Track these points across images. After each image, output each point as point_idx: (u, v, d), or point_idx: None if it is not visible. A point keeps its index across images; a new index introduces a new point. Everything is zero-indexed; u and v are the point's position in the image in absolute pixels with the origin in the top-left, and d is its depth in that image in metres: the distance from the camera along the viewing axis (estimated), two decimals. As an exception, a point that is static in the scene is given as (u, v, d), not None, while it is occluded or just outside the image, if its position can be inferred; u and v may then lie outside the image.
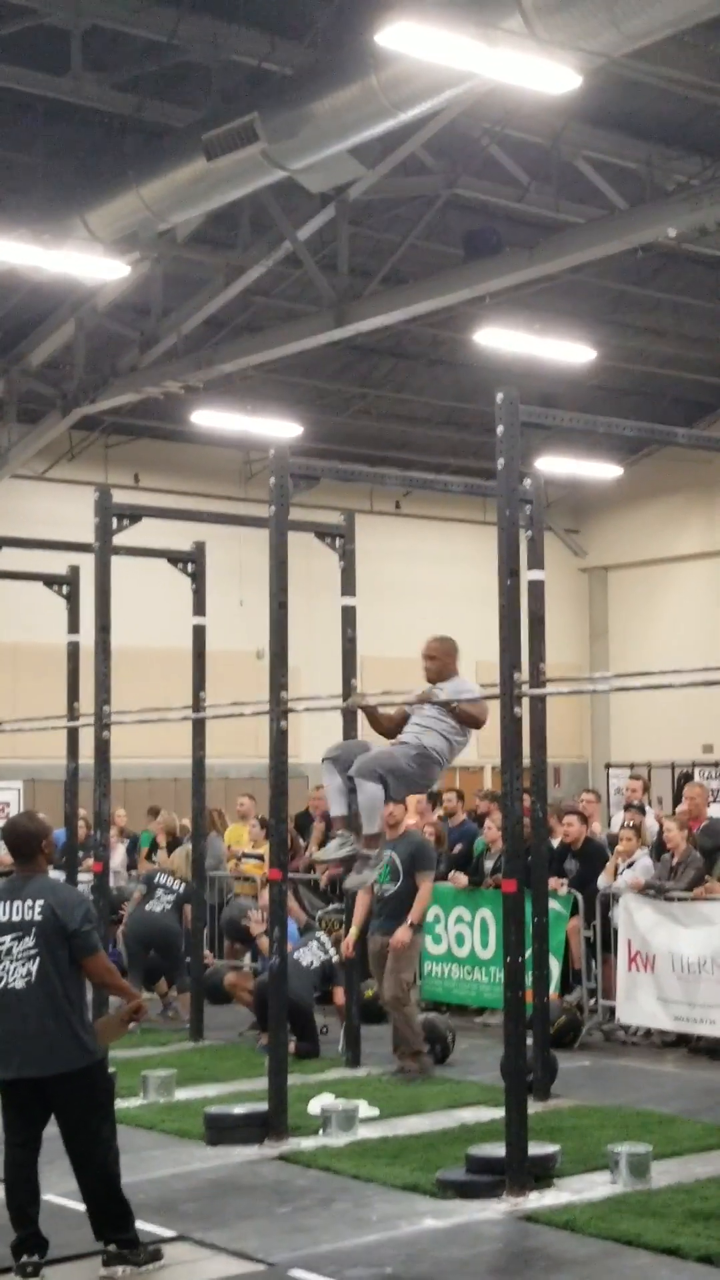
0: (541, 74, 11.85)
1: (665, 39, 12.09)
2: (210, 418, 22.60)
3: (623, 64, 13.43)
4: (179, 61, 14.86)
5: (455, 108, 14.98)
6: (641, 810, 14.85)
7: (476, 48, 11.35)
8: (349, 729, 11.45)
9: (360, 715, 10.14)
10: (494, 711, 8.93)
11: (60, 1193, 7.52)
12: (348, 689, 11.03)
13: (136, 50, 14.96)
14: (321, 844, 15.32)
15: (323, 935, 12.59)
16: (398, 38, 11.30)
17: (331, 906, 14.19)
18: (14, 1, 13.84)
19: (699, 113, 16.89)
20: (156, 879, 13.90)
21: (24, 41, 14.46)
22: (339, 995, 12.07)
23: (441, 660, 9.70)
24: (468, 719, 9.39)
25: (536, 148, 17.36)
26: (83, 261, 16.33)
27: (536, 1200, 7.88)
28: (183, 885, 13.82)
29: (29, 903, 6.78)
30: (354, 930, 11.67)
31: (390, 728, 9.63)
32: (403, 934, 11.20)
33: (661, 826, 13.64)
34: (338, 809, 9.39)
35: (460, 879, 13.72)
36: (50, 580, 14.03)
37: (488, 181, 17.89)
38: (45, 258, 16.05)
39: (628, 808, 15.23)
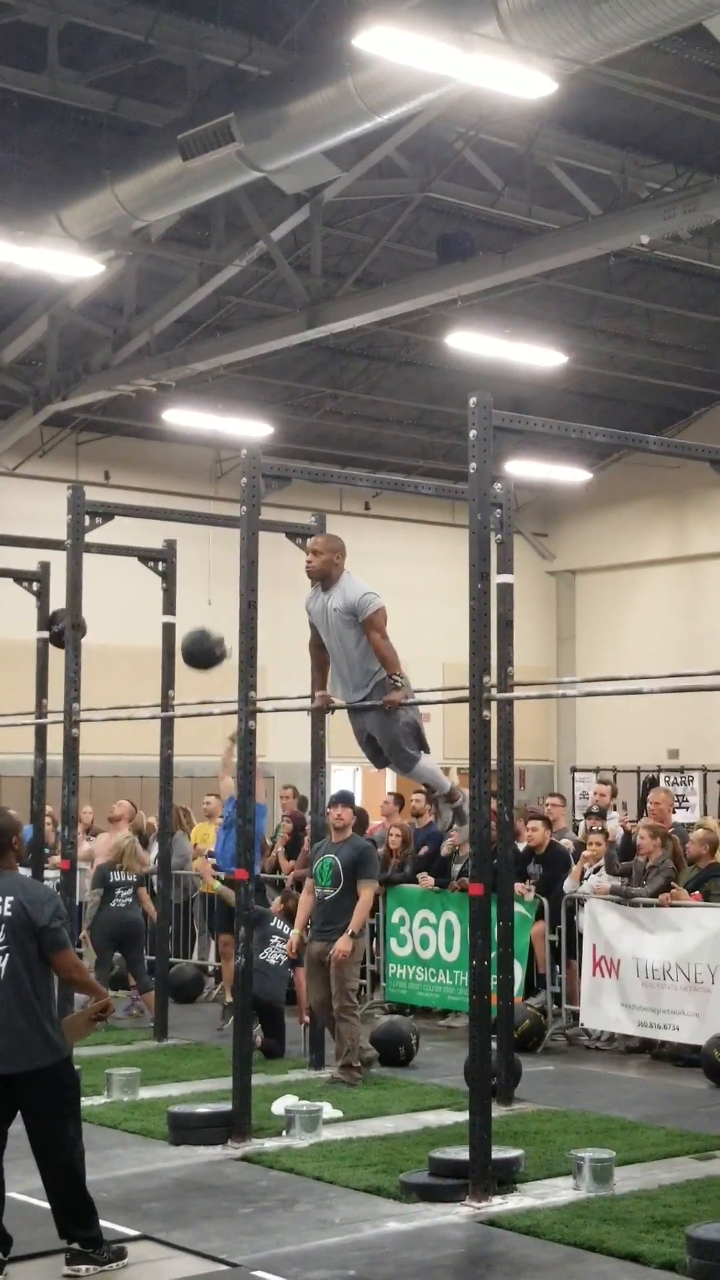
0: (517, 79, 11.90)
1: (640, 47, 12.14)
2: (182, 416, 22.58)
3: (598, 71, 13.47)
4: (156, 60, 14.85)
5: (430, 111, 15.02)
6: (603, 815, 14.89)
7: (453, 52, 11.39)
8: (316, 728, 11.48)
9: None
10: (462, 715, 8.96)
11: (24, 1190, 7.51)
12: (315, 689, 11.04)
13: (114, 49, 14.94)
14: (288, 844, 15.38)
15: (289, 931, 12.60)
16: (375, 41, 11.33)
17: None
18: (-9, -3, 13.82)
19: (673, 120, 16.98)
20: (111, 878, 13.80)
21: (1, 38, 14.43)
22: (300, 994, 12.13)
23: (325, 556, 9.47)
24: (385, 657, 9.28)
25: (511, 152, 17.41)
26: (57, 259, 16.31)
27: (500, 1205, 7.91)
28: (134, 877, 13.79)
29: (-2, 899, 6.77)
30: (296, 931, 11.68)
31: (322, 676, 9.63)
32: (343, 944, 11.06)
33: (626, 832, 13.69)
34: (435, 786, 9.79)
35: (427, 881, 13.76)
36: (20, 576, 14.02)
37: (461, 185, 17.94)
38: (19, 254, 16.03)
39: (588, 814, 15.28)
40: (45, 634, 13.82)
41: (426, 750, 9.50)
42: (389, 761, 9.47)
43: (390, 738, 9.28)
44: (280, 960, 12.17)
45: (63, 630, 13.06)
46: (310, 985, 11.41)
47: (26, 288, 19.49)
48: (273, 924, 12.30)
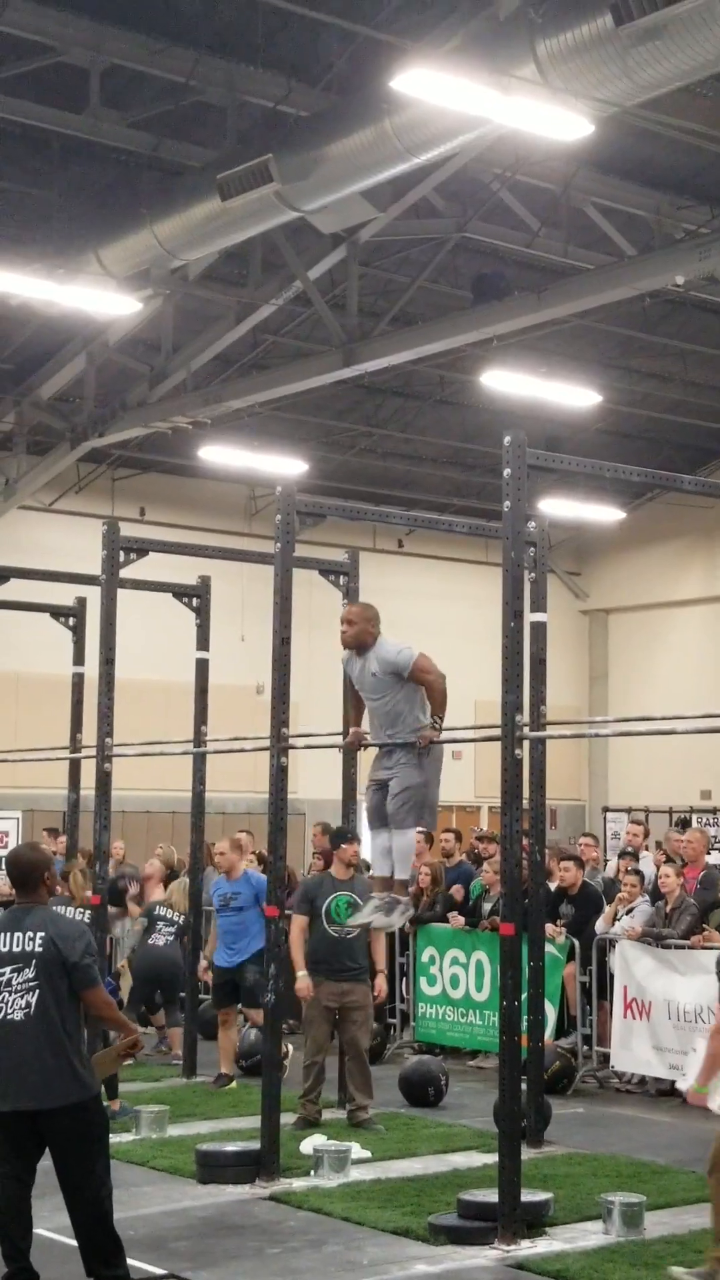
0: (553, 121, 11.95)
1: (677, 89, 12.17)
2: (217, 453, 22.68)
3: (634, 113, 13.54)
4: (196, 102, 14.98)
5: (467, 152, 15.09)
6: (635, 856, 14.82)
7: (490, 94, 11.46)
8: (348, 766, 11.47)
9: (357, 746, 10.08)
10: (494, 753, 8.95)
11: (52, 1227, 7.50)
12: (347, 726, 11.04)
13: (154, 90, 15.08)
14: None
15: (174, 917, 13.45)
16: (413, 83, 11.41)
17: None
18: (34, 39, 13.97)
19: (709, 162, 17.02)
20: (156, 912, 13.88)
21: (44, 79, 14.60)
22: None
23: (360, 626, 9.46)
24: (439, 699, 9.28)
25: (547, 193, 17.48)
26: (95, 297, 16.44)
27: (529, 1248, 7.86)
28: (181, 917, 13.81)
29: (30, 934, 6.76)
30: (303, 974, 11.09)
31: (357, 714, 9.63)
32: (382, 984, 11.17)
33: (659, 872, 13.62)
34: (381, 870, 9.45)
35: (457, 920, 13.71)
36: (56, 612, 14.08)
37: (497, 225, 18.01)
38: (58, 292, 16.16)
39: (623, 854, 15.21)
40: (80, 669, 13.86)
41: (430, 826, 9.43)
42: (384, 820, 9.31)
43: (411, 782, 9.17)
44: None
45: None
46: (314, 1029, 11.06)
47: (65, 325, 19.65)
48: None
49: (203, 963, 13.10)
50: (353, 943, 11.04)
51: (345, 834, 11.44)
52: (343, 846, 11.35)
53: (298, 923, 11.13)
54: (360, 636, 9.46)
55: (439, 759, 9.32)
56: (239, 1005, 12.63)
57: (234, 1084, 12.20)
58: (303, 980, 11.03)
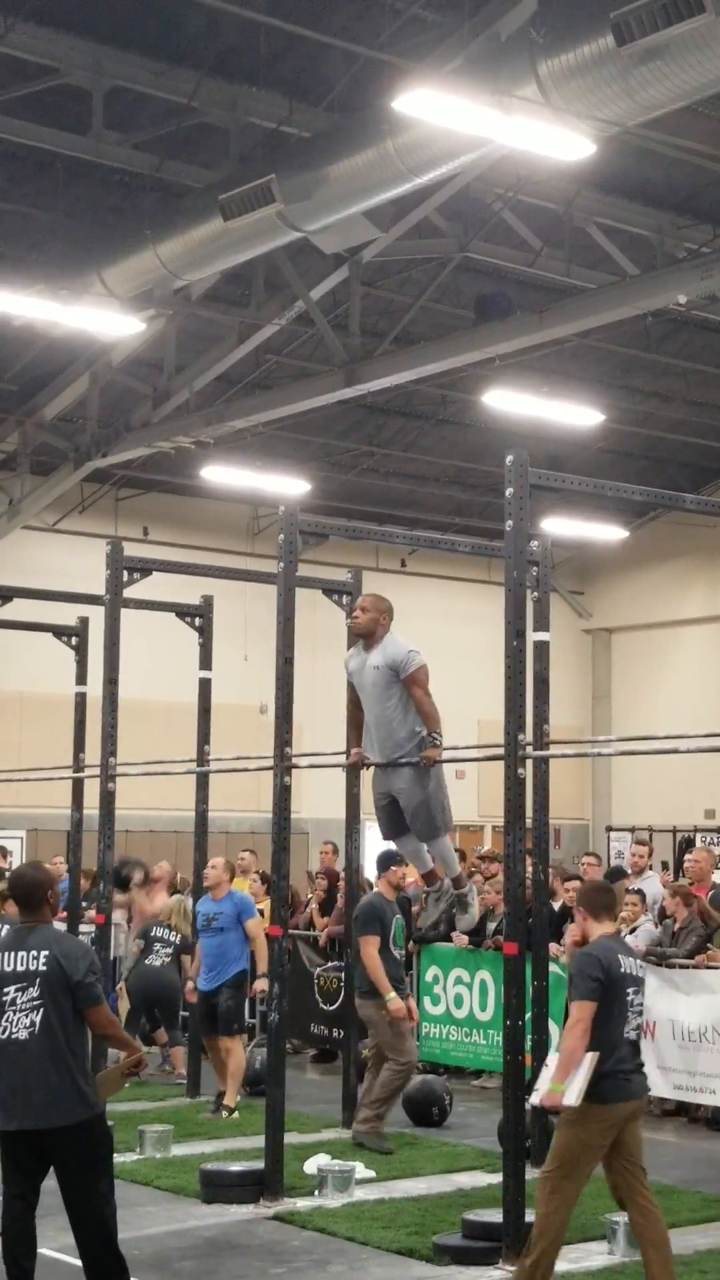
0: (555, 141, 11.99)
1: (678, 109, 12.22)
2: (220, 473, 22.72)
3: (636, 133, 13.59)
4: (198, 123, 15.04)
5: (469, 172, 15.16)
6: (623, 875, 14.78)
7: (492, 115, 11.51)
8: (351, 785, 11.47)
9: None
10: (497, 773, 8.94)
11: (56, 1246, 7.48)
12: (350, 746, 11.03)
13: (157, 111, 15.15)
14: (323, 901, 15.33)
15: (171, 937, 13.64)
16: (414, 103, 11.45)
17: (330, 964, 14.15)
18: (38, 61, 14.04)
19: (711, 182, 17.08)
20: (153, 932, 13.85)
21: (47, 100, 14.66)
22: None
23: (373, 614, 9.48)
24: (429, 715, 9.31)
25: (549, 213, 17.54)
26: (98, 317, 16.48)
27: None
28: (179, 937, 13.78)
29: (34, 953, 6.75)
30: (394, 995, 11.00)
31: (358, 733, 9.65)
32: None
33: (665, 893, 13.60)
34: (422, 867, 9.68)
35: (461, 939, 13.69)
36: (59, 631, 14.10)
37: (499, 245, 18.07)
38: (62, 313, 16.21)
39: (614, 875, 15.15)
40: (83, 688, 13.87)
41: (449, 827, 9.49)
42: (404, 829, 9.38)
43: (421, 799, 9.24)
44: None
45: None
46: (408, 1043, 11.24)
47: (68, 346, 19.71)
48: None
49: (189, 985, 13.02)
50: (402, 963, 11.39)
51: (394, 857, 11.45)
52: (392, 869, 11.40)
53: (373, 944, 11.06)
54: (371, 625, 9.47)
55: (440, 766, 9.36)
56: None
57: (234, 1115, 11.84)
58: (396, 1000, 10.99)
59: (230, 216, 13.84)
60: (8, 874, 11.72)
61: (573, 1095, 6.89)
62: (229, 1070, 12.00)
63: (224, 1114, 11.81)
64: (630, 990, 7.15)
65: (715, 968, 11.85)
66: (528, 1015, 8.70)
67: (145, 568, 12.01)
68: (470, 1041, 13.48)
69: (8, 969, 6.76)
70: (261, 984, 11.80)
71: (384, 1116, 10.98)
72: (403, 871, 11.41)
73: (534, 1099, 7.29)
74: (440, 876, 9.63)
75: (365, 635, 9.49)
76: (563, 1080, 6.94)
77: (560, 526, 24.17)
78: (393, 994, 10.96)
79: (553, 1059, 7.19)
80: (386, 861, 11.44)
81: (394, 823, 9.45)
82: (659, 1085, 11.99)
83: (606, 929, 7.34)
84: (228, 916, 12.11)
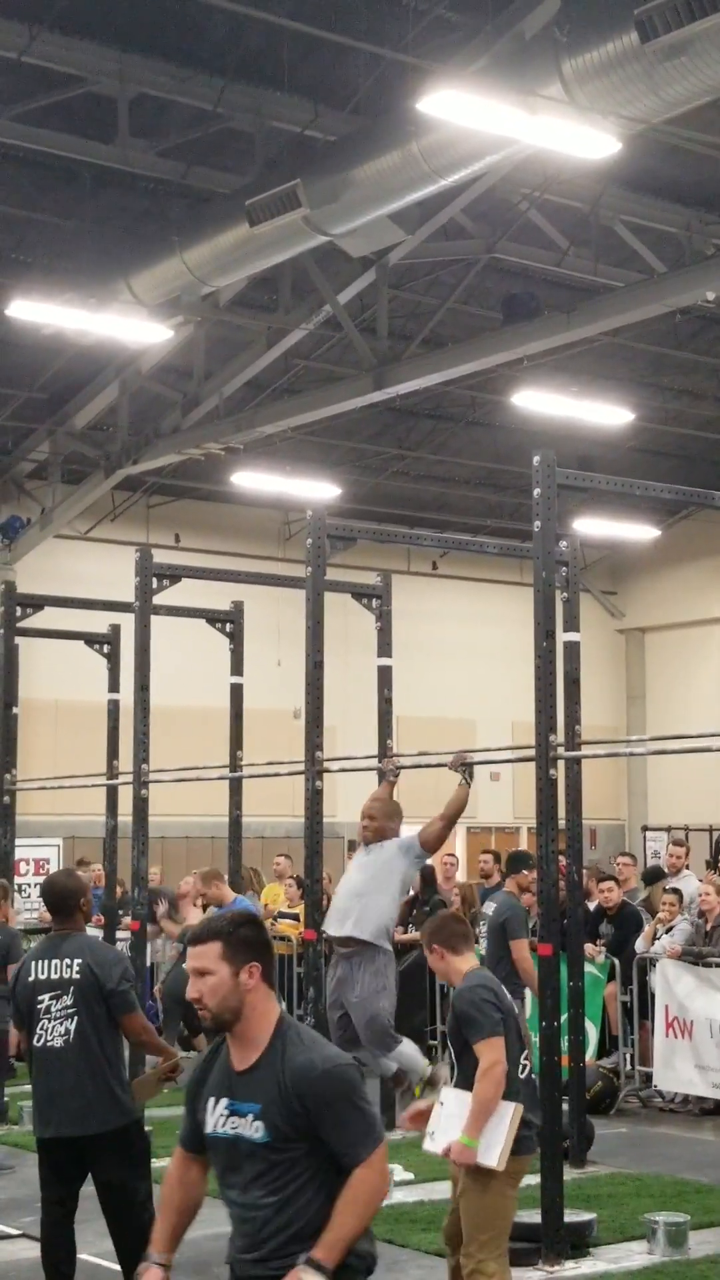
0: (581, 140, 11.96)
1: (704, 104, 12.17)
2: (250, 479, 22.75)
3: (662, 129, 13.54)
4: (224, 128, 15.07)
5: (495, 173, 15.13)
6: (671, 873, 14.72)
7: (517, 114, 11.48)
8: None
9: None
10: (531, 774, 8.93)
11: (95, 1252, 7.49)
12: (383, 749, 11.04)
13: (182, 118, 15.18)
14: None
15: None
16: (439, 105, 11.44)
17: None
18: (63, 70, 14.09)
19: (738, 178, 17.01)
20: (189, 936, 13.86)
21: (73, 109, 14.72)
22: None
23: (380, 822, 9.57)
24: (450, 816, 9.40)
25: (575, 212, 17.49)
26: (127, 325, 16.53)
27: (573, 1269, 7.81)
28: None
29: (67, 961, 6.76)
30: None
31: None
32: None
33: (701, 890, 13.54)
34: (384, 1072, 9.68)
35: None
36: (91, 639, 14.15)
37: (526, 245, 18.03)
38: (90, 321, 16.26)
39: (652, 878, 15.09)
40: (116, 695, 13.90)
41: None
42: (359, 1043, 9.32)
43: (372, 1012, 9.22)
44: None
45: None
46: None
47: (98, 354, 19.77)
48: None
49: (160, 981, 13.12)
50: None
51: (525, 859, 11.48)
52: (524, 872, 11.40)
53: (525, 946, 11.03)
54: (381, 833, 9.55)
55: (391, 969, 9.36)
56: None
57: None
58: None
59: (257, 222, 13.86)
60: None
61: (494, 1156, 6.15)
62: None
63: None
64: (516, 1026, 6.52)
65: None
66: (564, 1016, 8.68)
67: (175, 574, 12.05)
68: (508, 1043, 13.42)
69: (41, 977, 6.78)
70: None
71: None
72: (532, 875, 11.44)
73: (433, 1146, 6.40)
74: (404, 1082, 9.53)
75: (373, 842, 9.54)
76: (476, 1135, 6.17)
77: (592, 526, 24.11)
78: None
79: (451, 1098, 6.37)
80: (518, 863, 11.44)
81: (347, 1035, 9.36)
82: (697, 1084, 11.97)
83: (471, 962, 6.59)
84: None
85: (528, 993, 10.76)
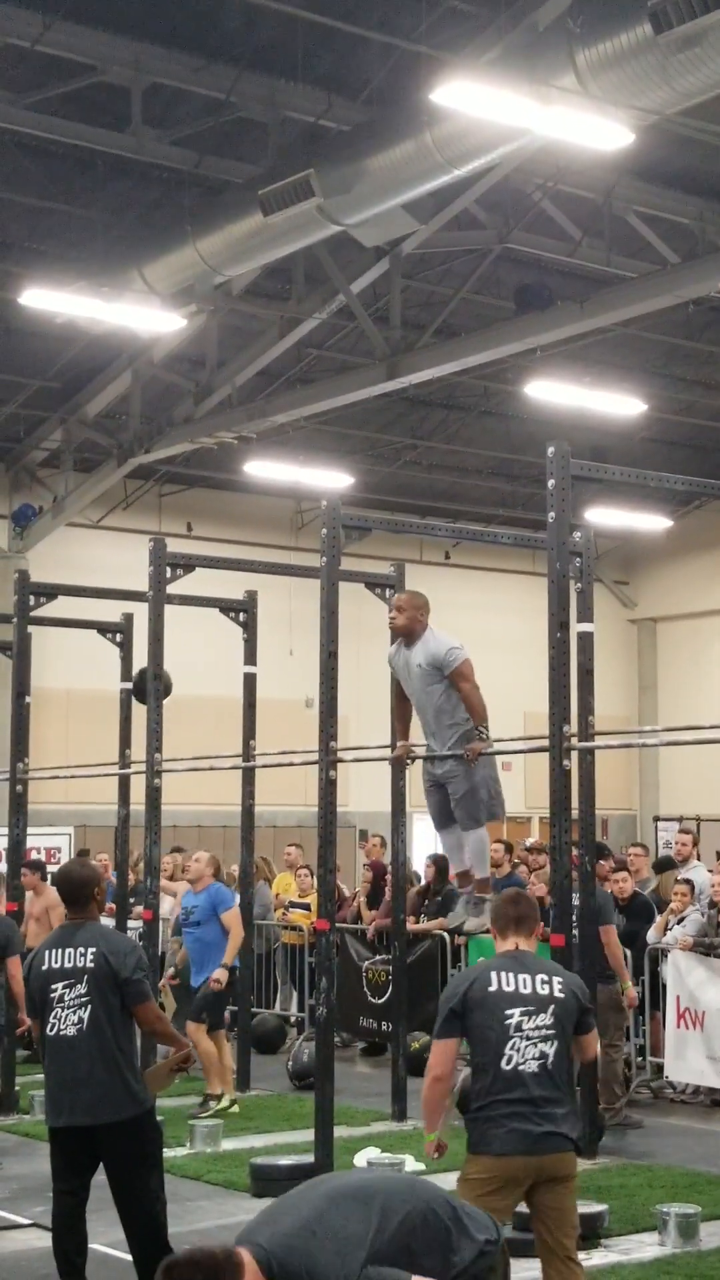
0: (594, 130, 11.95)
1: (717, 96, 12.14)
2: (263, 468, 22.75)
3: (675, 120, 13.49)
4: (237, 118, 15.06)
5: (508, 163, 15.10)
6: (679, 863, 14.72)
7: (530, 105, 11.46)
8: (398, 778, 11.47)
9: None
10: (543, 764, 8.93)
11: (107, 1242, 7.51)
12: (395, 739, 11.03)
13: (196, 107, 15.17)
14: (369, 894, 15.35)
15: None
16: (452, 95, 11.43)
17: (378, 957, 14.17)
18: (76, 59, 14.08)
19: (751, 168, 16.97)
20: None
21: (86, 99, 14.71)
22: None
23: (409, 613, 9.46)
24: (476, 709, 9.29)
25: (588, 202, 17.46)
26: (140, 314, 16.53)
27: (584, 1260, 7.77)
28: None
29: (81, 950, 6.77)
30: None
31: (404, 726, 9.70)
32: None
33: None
34: (457, 864, 9.66)
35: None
36: (104, 628, 14.15)
37: (540, 236, 18.00)
38: (103, 310, 16.26)
39: (663, 867, 15.09)
40: (128, 685, 13.92)
41: (497, 815, 9.46)
42: (451, 819, 9.39)
43: (467, 788, 9.24)
44: None
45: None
46: None
47: (110, 343, 19.78)
48: None
49: (169, 971, 13.08)
50: None
51: (601, 850, 11.57)
52: (600, 863, 11.51)
53: (614, 931, 11.26)
54: (409, 624, 9.46)
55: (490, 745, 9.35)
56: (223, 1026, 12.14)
57: (231, 1106, 11.73)
58: (633, 990, 11.54)
59: (270, 211, 13.86)
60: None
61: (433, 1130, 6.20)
62: (204, 1064, 11.61)
63: (212, 1105, 11.63)
64: (514, 1011, 6.08)
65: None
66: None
67: (188, 563, 12.05)
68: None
69: (55, 966, 6.79)
70: (220, 974, 11.67)
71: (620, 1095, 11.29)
72: (608, 865, 11.47)
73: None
74: (473, 879, 9.56)
75: (404, 635, 9.49)
76: (433, 1130, 6.19)
77: (604, 517, 24.10)
78: (629, 983, 11.36)
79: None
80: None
81: (443, 812, 9.47)
82: (708, 1075, 11.97)
83: (505, 946, 6.33)
84: (204, 910, 11.95)
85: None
